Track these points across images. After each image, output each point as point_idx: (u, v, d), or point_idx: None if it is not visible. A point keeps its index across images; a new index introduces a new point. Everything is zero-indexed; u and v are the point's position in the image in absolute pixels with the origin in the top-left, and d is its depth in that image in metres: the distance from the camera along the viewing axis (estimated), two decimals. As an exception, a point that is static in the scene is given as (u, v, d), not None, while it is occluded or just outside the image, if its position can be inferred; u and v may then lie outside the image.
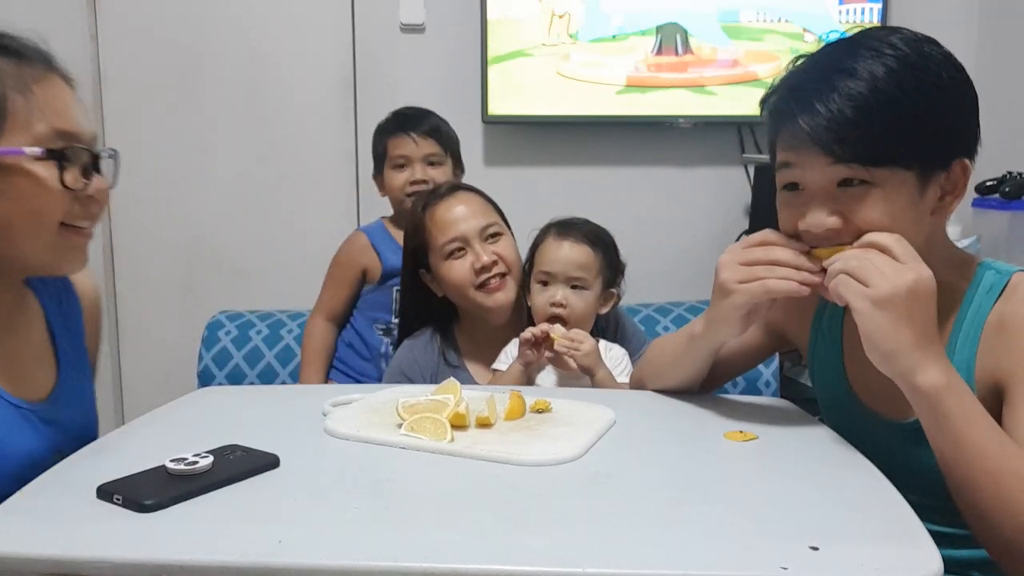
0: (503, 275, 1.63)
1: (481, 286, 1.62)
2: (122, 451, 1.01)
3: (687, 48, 2.62)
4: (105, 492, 0.84)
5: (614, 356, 1.59)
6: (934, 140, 0.99)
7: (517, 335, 1.60)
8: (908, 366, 0.92)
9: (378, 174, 2.08)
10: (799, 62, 1.06)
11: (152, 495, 0.82)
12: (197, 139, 2.74)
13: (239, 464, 0.92)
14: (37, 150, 0.98)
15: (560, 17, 2.58)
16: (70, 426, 1.11)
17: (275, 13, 2.68)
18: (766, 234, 1.05)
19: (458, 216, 1.65)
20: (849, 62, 0.98)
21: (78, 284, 1.46)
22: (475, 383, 1.62)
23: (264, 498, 0.86)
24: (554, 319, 1.55)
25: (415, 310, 1.75)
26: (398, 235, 1.93)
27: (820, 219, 0.99)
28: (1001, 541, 0.91)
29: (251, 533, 0.77)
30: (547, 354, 1.51)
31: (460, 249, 1.63)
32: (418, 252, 1.70)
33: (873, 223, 0.97)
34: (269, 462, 0.93)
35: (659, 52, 2.62)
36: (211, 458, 0.90)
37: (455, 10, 2.65)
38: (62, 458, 0.98)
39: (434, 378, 1.62)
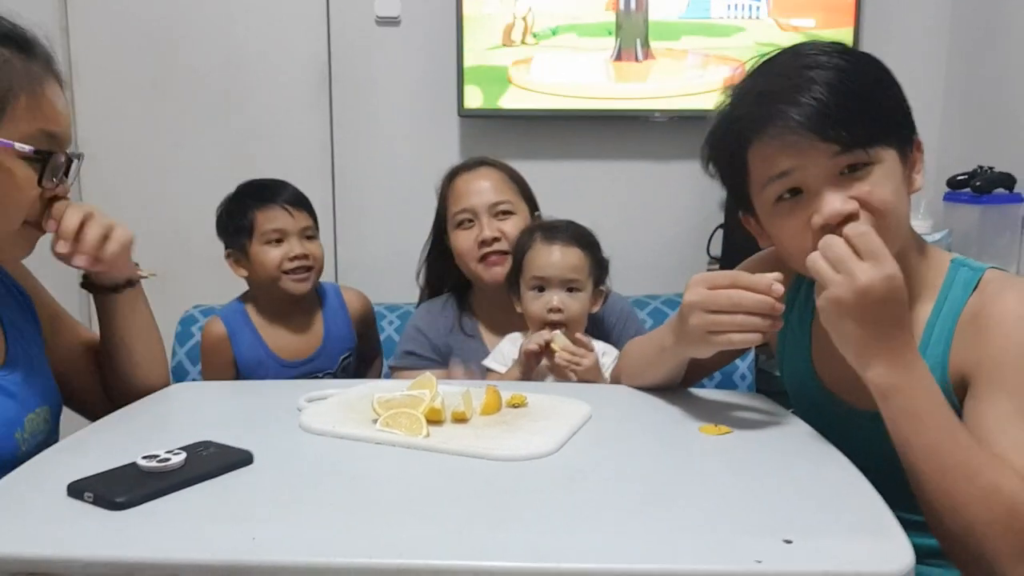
0: (505, 252, 1.68)
1: (483, 259, 1.68)
2: (93, 448, 1.00)
3: (647, 53, 2.62)
4: (76, 490, 0.83)
5: (607, 359, 1.59)
6: (900, 117, 1.04)
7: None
8: (860, 363, 0.94)
9: (236, 250, 1.77)
10: (749, 85, 1.07)
11: (124, 492, 0.81)
12: (170, 133, 2.70)
13: (212, 461, 0.91)
14: (27, 148, 1.00)
15: (523, 18, 2.57)
16: (32, 391, 1.12)
17: (250, 5, 2.65)
18: (735, 276, 1.02)
19: (472, 189, 1.73)
20: (808, 62, 1.01)
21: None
22: (488, 351, 1.68)
23: (238, 495, 0.86)
24: (552, 324, 1.54)
25: (438, 274, 1.84)
26: (260, 323, 1.78)
27: (838, 206, 0.98)
28: (947, 536, 0.92)
29: (224, 530, 0.76)
30: (545, 362, 1.51)
31: (469, 220, 1.71)
32: (441, 219, 1.79)
33: (885, 199, 0.99)
34: (243, 459, 0.93)
35: (618, 58, 2.61)
36: (184, 455, 0.89)
37: (431, 3, 2.63)
38: (31, 423, 1.05)
39: (447, 342, 1.72)
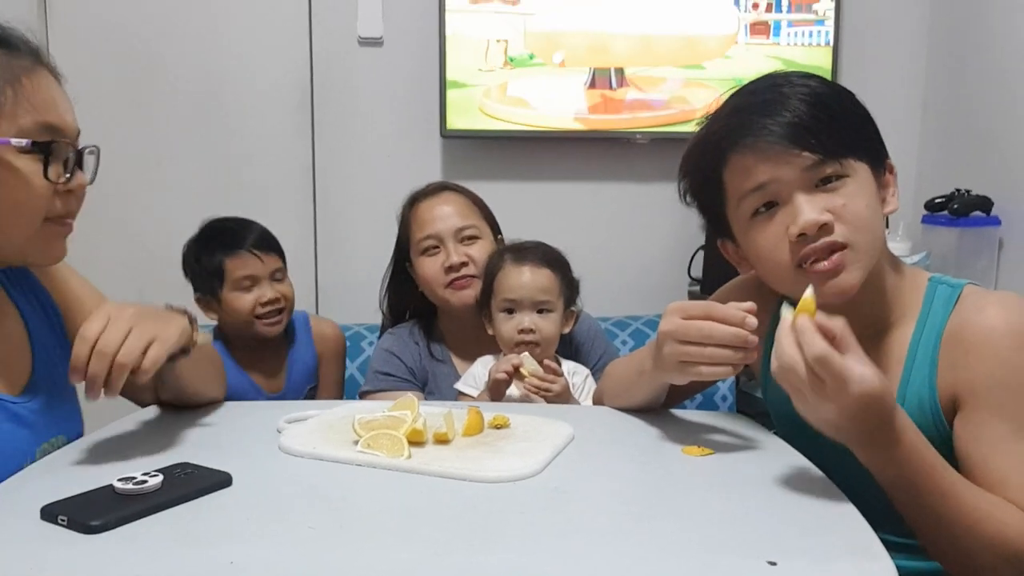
0: (473, 276, 1.66)
1: (450, 284, 1.67)
2: (67, 470, 0.98)
3: (622, 80, 2.63)
4: (49, 513, 0.81)
5: (578, 379, 1.59)
6: (872, 136, 1.06)
7: (489, 335, 1.60)
8: (850, 447, 0.93)
9: (207, 296, 1.77)
10: (727, 105, 1.09)
11: (98, 516, 0.80)
12: (151, 151, 2.69)
13: (190, 483, 0.90)
14: (23, 142, 0.99)
15: (498, 42, 2.59)
16: (50, 417, 1.10)
17: (232, 23, 2.65)
18: (708, 308, 1.02)
19: (436, 215, 1.71)
20: (781, 81, 1.05)
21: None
22: (458, 376, 1.66)
23: (216, 518, 0.84)
24: (524, 346, 1.54)
25: (399, 302, 1.81)
26: (236, 357, 1.78)
27: (814, 217, 0.99)
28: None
29: (202, 554, 0.75)
30: (515, 388, 1.49)
31: (434, 247, 1.69)
32: (402, 245, 1.77)
33: (859, 213, 1.00)
34: (221, 480, 0.91)
35: (592, 85, 2.63)
36: (161, 477, 0.88)
37: (414, 24, 2.64)
38: (44, 454, 1.01)
39: (422, 365, 1.70)
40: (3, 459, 1.00)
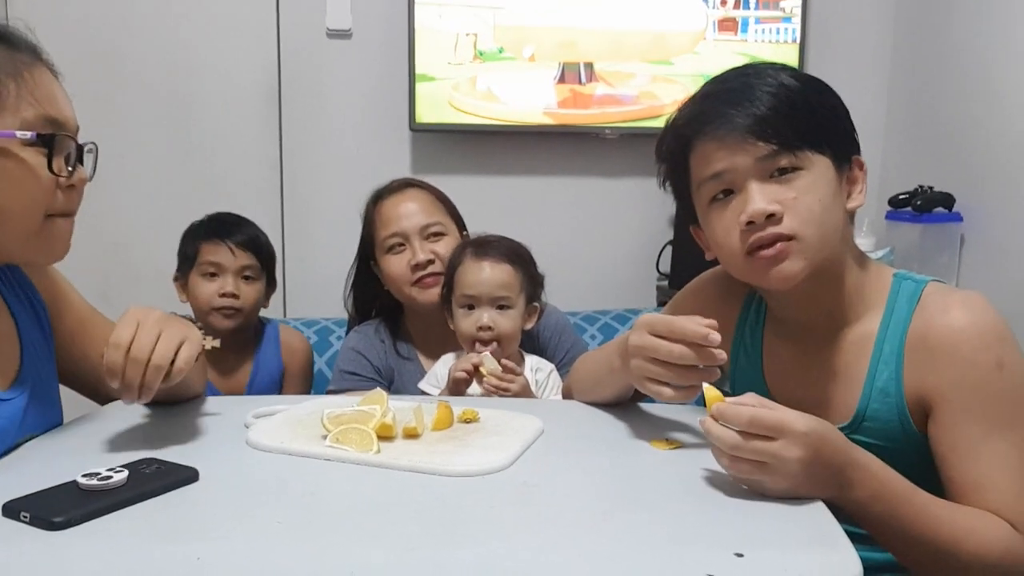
0: (439, 274, 1.65)
1: (416, 282, 1.66)
2: (31, 466, 0.97)
3: (591, 75, 2.64)
4: (11, 509, 0.80)
5: (541, 375, 1.59)
6: (839, 131, 1.07)
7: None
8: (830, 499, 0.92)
9: (182, 277, 1.85)
10: (698, 93, 1.11)
11: (62, 512, 0.79)
12: (115, 144, 2.62)
13: (156, 478, 0.89)
14: (28, 134, 0.99)
15: (467, 35, 2.58)
16: (33, 414, 1.10)
17: (198, 15, 2.62)
18: (671, 325, 1.00)
19: (401, 213, 1.70)
20: (753, 75, 1.06)
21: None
22: (424, 374, 1.65)
23: (182, 514, 0.84)
24: (482, 342, 1.53)
25: (365, 300, 1.81)
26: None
27: (762, 207, 1.01)
28: None
29: (168, 551, 0.74)
30: (476, 387, 1.48)
31: (400, 245, 1.69)
32: (366, 244, 1.75)
33: (809, 206, 1.02)
34: (188, 476, 0.91)
35: (561, 80, 2.63)
36: (126, 472, 0.87)
37: (382, 16, 2.63)
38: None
39: (388, 363, 1.70)
40: None
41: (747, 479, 0.89)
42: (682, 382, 1.00)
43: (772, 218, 1.02)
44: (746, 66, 1.11)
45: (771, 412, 0.87)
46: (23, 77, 1.01)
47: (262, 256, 1.84)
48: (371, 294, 1.79)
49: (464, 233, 1.77)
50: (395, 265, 1.68)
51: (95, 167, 1.13)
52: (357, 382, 1.65)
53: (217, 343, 1.15)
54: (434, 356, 1.67)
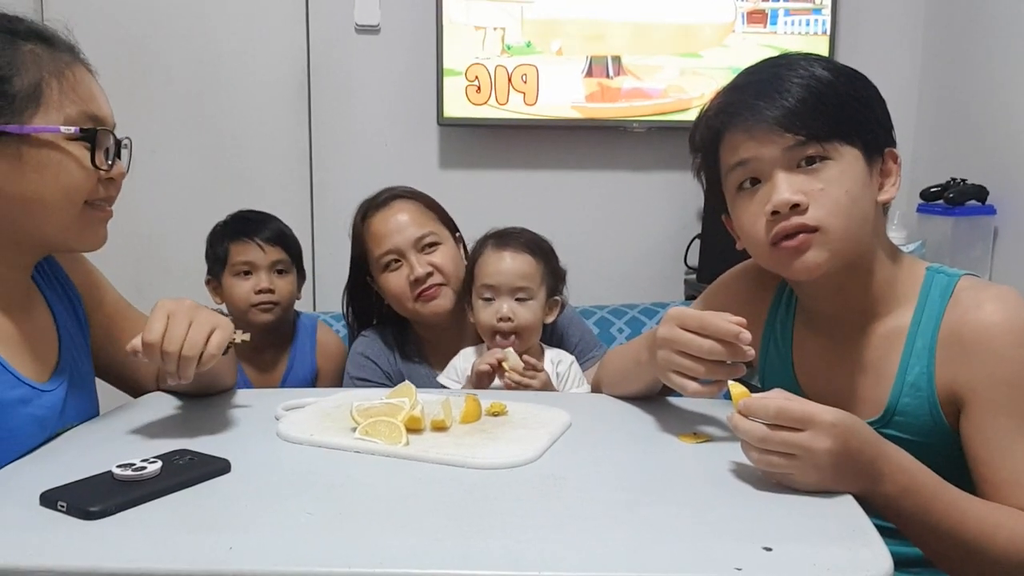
0: (440, 284, 1.63)
1: (418, 297, 1.63)
2: (67, 456, 0.98)
3: (619, 69, 2.62)
4: (49, 499, 0.81)
5: (563, 367, 1.58)
6: (871, 122, 1.06)
7: (467, 337, 1.59)
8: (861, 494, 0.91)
9: (214, 279, 1.85)
10: (729, 84, 1.11)
11: (98, 502, 0.80)
12: (147, 140, 2.66)
13: (189, 469, 0.90)
14: (72, 129, 1.04)
15: (495, 30, 2.58)
16: (72, 405, 1.13)
17: (228, 11, 2.64)
18: (702, 321, 1.00)
19: (392, 228, 1.65)
20: (785, 67, 1.06)
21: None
22: (435, 376, 1.64)
23: (214, 504, 0.85)
24: (501, 334, 1.53)
25: (365, 316, 1.78)
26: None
27: (786, 196, 1.01)
28: None
29: (201, 540, 0.75)
30: (498, 380, 1.47)
31: (396, 261, 1.65)
32: (360, 262, 1.72)
33: (836, 198, 1.01)
34: (220, 467, 0.92)
35: (589, 74, 2.61)
36: (160, 463, 0.88)
37: (411, 11, 2.63)
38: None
39: (397, 368, 1.67)
40: (30, 443, 1.03)
41: (776, 472, 0.88)
42: (710, 376, 1.00)
43: (797, 208, 1.01)
44: (779, 57, 1.11)
45: (798, 404, 0.87)
46: (64, 76, 1.05)
47: (291, 249, 1.84)
48: (370, 308, 1.76)
49: (457, 235, 1.74)
50: (394, 282, 1.64)
51: (130, 161, 1.17)
52: (367, 388, 1.63)
53: (247, 336, 1.16)
54: (444, 360, 1.65)
